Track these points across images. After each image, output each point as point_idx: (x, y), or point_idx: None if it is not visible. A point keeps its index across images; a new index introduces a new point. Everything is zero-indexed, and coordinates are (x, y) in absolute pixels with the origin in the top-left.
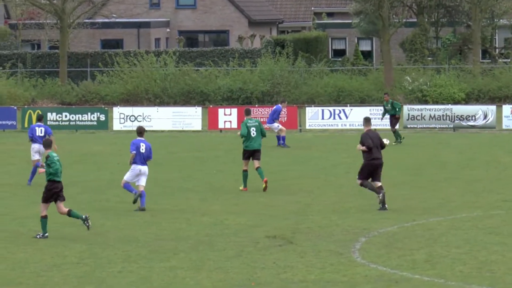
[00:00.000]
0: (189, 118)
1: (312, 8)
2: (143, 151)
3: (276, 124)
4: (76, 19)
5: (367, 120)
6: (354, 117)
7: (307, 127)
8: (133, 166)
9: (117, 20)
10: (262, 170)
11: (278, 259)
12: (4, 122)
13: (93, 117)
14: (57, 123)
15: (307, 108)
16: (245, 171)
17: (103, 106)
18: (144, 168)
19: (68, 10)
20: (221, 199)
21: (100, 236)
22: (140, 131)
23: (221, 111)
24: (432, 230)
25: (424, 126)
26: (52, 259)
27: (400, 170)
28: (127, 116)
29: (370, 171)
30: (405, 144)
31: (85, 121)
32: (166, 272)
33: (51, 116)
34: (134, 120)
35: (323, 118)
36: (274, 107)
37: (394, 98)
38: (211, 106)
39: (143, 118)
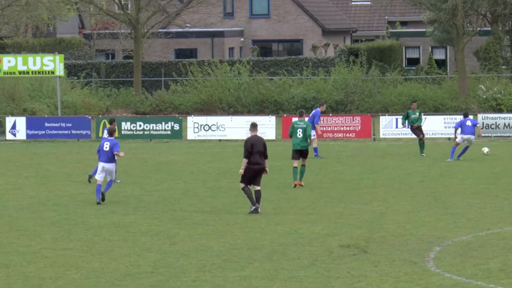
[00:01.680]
0: (263, 127)
1: (386, 17)
2: (107, 149)
3: (313, 132)
4: (150, 28)
5: (253, 126)
6: (428, 125)
7: (381, 136)
8: (99, 163)
9: (191, 29)
10: (305, 171)
11: (352, 269)
12: (79, 132)
13: (167, 127)
14: (131, 132)
15: (381, 117)
16: (294, 167)
17: (177, 115)
18: (108, 165)
19: (142, 20)
20: (295, 208)
21: (175, 245)
22: (110, 132)
23: (294, 120)
24: (507, 239)
25: (499, 134)
26: (127, 268)
27: (474, 179)
28: (201, 125)
29: (251, 175)
30: (479, 154)
31: (159, 130)
32: (241, 282)
33: (125, 125)
34: (208, 130)
35: (397, 127)
36: (313, 111)
37: (469, 107)
38: (285, 115)
39: (217, 128)
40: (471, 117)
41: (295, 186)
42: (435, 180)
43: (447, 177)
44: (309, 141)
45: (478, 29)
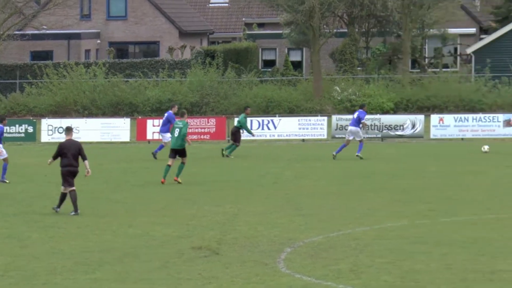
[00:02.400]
0: (118, 129)
1: (243, 19)
2: None
3: (168, 135)
4: (6, 30)
5: (68, 129)
6: (282, 127)
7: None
8: None
9: (48, 31)
10: (183, 168)
11: (203, 270)
12: None
13: (21, 129)
14: None
15: (235, 119)
16: (167, 165)
17: (31, 118)
18: None
19: None
20: (148, 210)
21: (26, 248)
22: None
23: (149, 122)
24: (357, 240)
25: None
26: None
27: (327, 180)
28: (55, 127)
29: (67, 176)
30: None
31: (13, 133)
32: (91, 284)
33: None
34: (62, 132)
35: (251, 129)
36: (166, 113)
37: (324, 108)
38: (139, 117)
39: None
40: (362, 110)
41: (162, 182)
42: (288, 182)
43: (300, 179)
44: (188, 140)
45: (335, 30)
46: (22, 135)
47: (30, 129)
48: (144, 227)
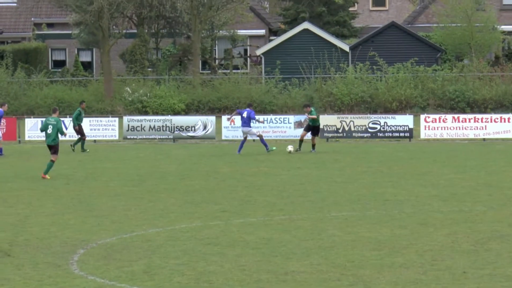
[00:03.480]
0: None
1: (32, 19)
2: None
3: None
4: None
5: None
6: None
7: (27, 138)
8: None
9: None
10: (52, 165)
11: None
12: None
13: None
14: None
15: (26, 119)
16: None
17: None
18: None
19: None
20: None
21: None
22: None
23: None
24: (151, 241)
25: (144, 137)
26: None
27: (119, 181)
28: None
29: None
30: (127, 155)
31: None
32: None
33: None
34: None
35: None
36: None
37: (115, 109)
38: None
39: None
40: (250, 109)
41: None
42: (80, 182)
43: (92, 179)
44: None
45: (124, 31)
46: None
47: None
48: None
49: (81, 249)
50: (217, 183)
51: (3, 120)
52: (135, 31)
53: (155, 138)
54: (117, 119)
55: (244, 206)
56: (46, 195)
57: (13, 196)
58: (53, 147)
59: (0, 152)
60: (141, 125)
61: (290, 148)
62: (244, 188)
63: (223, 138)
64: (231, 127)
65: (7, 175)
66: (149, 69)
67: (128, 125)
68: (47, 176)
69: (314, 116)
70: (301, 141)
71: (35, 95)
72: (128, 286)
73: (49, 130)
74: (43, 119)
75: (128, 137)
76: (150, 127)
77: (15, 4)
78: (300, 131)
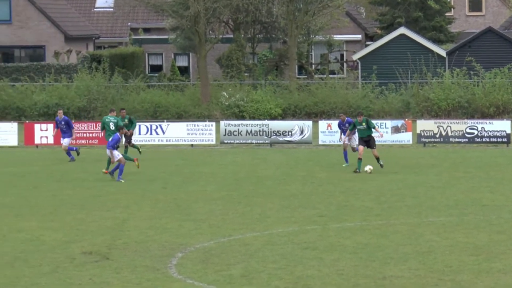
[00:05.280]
0: (5, 133)
1: (129, 24)
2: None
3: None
4: None
5: None
6: (171, 132)
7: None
8: None
9: None
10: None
11: (94, 275)
12: None
13: None
14: None
15: None
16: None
17: None
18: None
19: None
20: (37, 215)
21: None
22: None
23: (37, 126)
24: (248, 245)
25: (241, 141)
26: None
27: (216, 185)
28: None
29: None
30: (224, 160)
31: None
32: None
33: None
34: None
35: (140, 134)
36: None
37: (212, 113)
38: (27, 121)
39: None
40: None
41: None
42: (177, 187)
43: (189, 184)
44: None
45: (221, 36)
46: None
47: None
48: (33, 232)
49: (179, 252)
50: (314, 188)
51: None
52: (232, 36)
53: (252, 143)
54: (214, 123)
55: (341, 211)
56: (144, 199)
57: (111, 200)
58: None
59: (71, 155)
60: (238, 129)
61: (368, 168)
62: (341, 193)
63: (320, 143)
64: (328, 132)
65: (105, 179)
66: (246, 74)
67: (225, 129)
68: (106, 170)
69: (373, 126)
70: (360, 159)
71: (132, 100)
72: None
73: (112, 127)
74: (141, 124)
75: (225, 141)
76: (247, 131)
77: (111, 9)
78: (397, 136)
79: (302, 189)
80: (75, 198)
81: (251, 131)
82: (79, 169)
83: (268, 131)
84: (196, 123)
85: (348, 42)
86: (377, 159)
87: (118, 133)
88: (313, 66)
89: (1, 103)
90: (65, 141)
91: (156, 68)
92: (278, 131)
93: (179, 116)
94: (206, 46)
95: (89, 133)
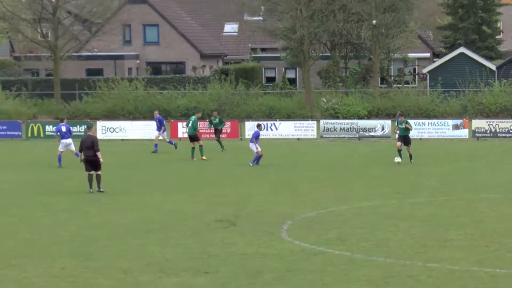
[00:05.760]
0: (155, 130)
1: (250, 45)
2: (64, 130)
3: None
4: (66, 52)
5: (88, 127)
6: (282, 129)
7: (246, 137)
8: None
9: (98, 53)
10: (203, 150)
11: (224, 238)
12: (12, 133)
13: (81, 129)
14: (53, 133)
15: (246, 122)
16: (192, 148)
17: (88, 120)
18: (67, 141)
19: (60, 45)
20: (181, 191)
21: (88, 220)
22: (61, 119)
23: (180, 124)
24: (342, 215)
25: (336, 136)
26: (51, 237)
27: (316, 169)
28: (107, 128)
29: (89, 164)
30: (323, 150)
31: (75, 132)
32: (139, 247)
33: (48, 128)
34: (113, 131)
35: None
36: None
37: (313, 114)
38: (172, 120)
39: (120, 130)
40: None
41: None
42: (287, 170)
43: (296, 168)
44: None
45: (320, 54)
46: (82, 133)
47: None
48: (179, 205)
49: (289, 220)
50: (393, 172)
51: (228, 123)
52: (329, 54)
53: (344, 137)
54: (315, 122)
55: (413, 189)
56: (262, 179)
57: (237, 179)
58: (195, 137)
59: (156, 147)
60: (334, 126)
61: (397, 159)
62: (413, 175)
63: (396, 137)
64: None
65: (232, 163)
66: (340, 84)
67: (324, 126)
68: (204, 157)
69: (410, 128)
70: (399, 150)
71: (252, 104)
72: (324, 249)
73: (190, 125)
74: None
75: (324, 136)
76: (340, 128)
77: (236, 34)
78: (457, 132)
79: (382, 172)
80: (210, 178)
81: (343, 128)
82: (212, 156)
83: (357, 128)
84: (301, 122)
85: (419, 59)
86: (410, 156)
87: (257, 129)
88: (392, 77)
89: (152, 106)
90: (164, 134)
91: (271, 79)
92: (364, 128)
93: (288, 116)
94: (309, 62)
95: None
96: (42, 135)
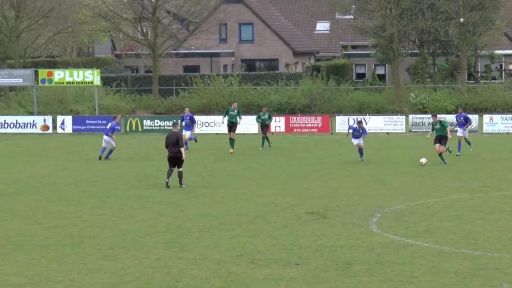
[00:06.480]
0: (248, 124)
1: (341, 42)
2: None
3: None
4: (165, 50)
5: (173, 124)
6: (372, 123)
7: (337, 131)
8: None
9: (195, 51)
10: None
11: (315, 230)
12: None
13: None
14: (150, 127)
15: (336, 117)
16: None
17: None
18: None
19: (159, 43)
20: (272, 184)
21: (182, 212)
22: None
23: (272, 119)
24: (430, 208)
25: (424, 130)
26: (146, 229)
27: (405, 163)
28: (202, 122)
29: (171, 160)
30: (412, 144)
31: (171, 126)
32: (232, 239)
33: (146, 122)
34: (208, 126)
35: (349, 124)
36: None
37: (402, 109)
38: None
39: (215, 124)
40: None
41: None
42: (377, 164)
43: (385, 162)
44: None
45: (409, 51)
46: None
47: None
48: (270, 197)
49: (378, 213)
50: (480, 166)
51: (319, 117)
52: (417, 51)
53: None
54: (404, 116)
55: (501, 182)
56: (351, 173)
57: (327, 173)
58: (234, 124)
59: (186, 144)
60: (422, 121)
61: (424, 161)
62: (500, 169)
63: (484, 131)
64: (490, 123)
65: (320, 157)
66: (428, 80)
67: (412, 121)
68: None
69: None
70: (440, 154)
71: (343, 99)
72: (413, 241)
73: (232, 113)
74: (351, 117)
75: (412, 130)
76: (428, 122)
77: (328, 32)
78: None
79: (470, 166)
80: (300, 172)
81: (432, 122)
82: (302, 151)
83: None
84: (390, 117)
85: (506, 55)
86: (440, 155)
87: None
88: (479, 73)
89: (246, 101)
90: (187, 134)
91: (361, 75)
92: (452, 122)
93: (378, 111)
94: (398, 59)
95: (311, 123)
96: (140, 129)
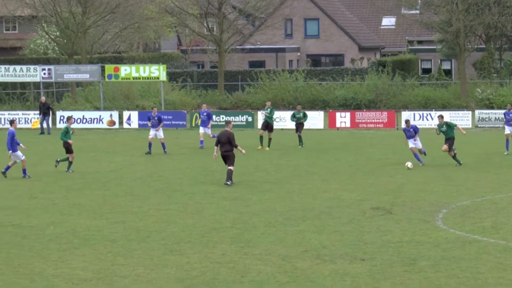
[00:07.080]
0: (314, 119)
1: (406, 37)
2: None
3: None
4: (231, 45)
5: (226, 122)
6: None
7: (402, 126)
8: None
9: (261, 46)
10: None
11: (380, 225)
12: (177, 122)
13: (243, 119)
14: (216, 122)
15: (402, 112)
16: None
17: (250, 110)
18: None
19: (224, 39)
20: (338, 180)
21: (248, 207)
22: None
23: (338, 114)
24: (497, 204)
25: (491, 125)
26: (212, 224)
27: (472, 158)
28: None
29: (223, 158)
30: (477, 140)
31: (236, 121)
32: (297, 234)
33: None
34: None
35: (414, 119)
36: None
37: (468, 105)
38: (330, 110)
39: (280, 119)
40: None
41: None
42: (442, 159)
43: (451, 158)
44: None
45: (476, 46)
46: (244, 123)
47: (249, 119)
48: (335, 192)
49: (444, 209)
50: None
51: (385, 113)
52: (484, 46)
53: (499, 127)
54: (470, 112)
55: None
56: (417, 168)
57: (393, 169)
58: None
59: (202, 143)
60: (489, 116)
61: (409, 165)
62: None
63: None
64: None
65: (384, 152)
66: (494, 75)
67: (479, 116)
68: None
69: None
70: (454, 156)
71: (408, 94)
72: (479, 237)
73: (265, 116)
74: (416, 112)
75: (479, 125)
76: (495, 118)
77: (394, 27)
78: None
79: None
80: (366, 167)
81: (498, 118)
82: (367, 146)
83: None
84: (456, 112)
85: None
86: (452, 154)
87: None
88: None
89: (311, 97)
90: (201, 129)
91: (427, 71)
92: (500, 118)
93: (444, 106)
94: (465, 54)
95: (377, 119)
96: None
